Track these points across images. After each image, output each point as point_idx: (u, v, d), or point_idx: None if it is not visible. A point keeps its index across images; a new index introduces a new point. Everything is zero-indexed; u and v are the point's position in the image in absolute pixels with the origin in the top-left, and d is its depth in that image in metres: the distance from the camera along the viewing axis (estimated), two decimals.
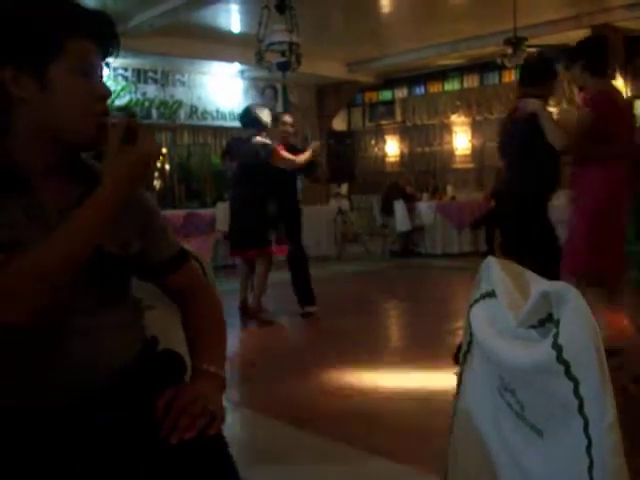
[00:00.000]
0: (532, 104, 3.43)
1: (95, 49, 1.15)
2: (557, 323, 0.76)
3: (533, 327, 0.82)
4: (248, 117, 5.28)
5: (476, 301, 1.05)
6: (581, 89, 3.65)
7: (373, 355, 4.25)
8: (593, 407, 0.72)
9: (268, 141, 5.17)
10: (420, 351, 4.29)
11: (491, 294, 0.99)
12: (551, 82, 3.66)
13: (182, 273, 1.34)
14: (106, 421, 1.11)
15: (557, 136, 3.32)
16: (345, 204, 10.80)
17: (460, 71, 11.47)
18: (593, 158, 3.41)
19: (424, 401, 3.26)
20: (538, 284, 0.83)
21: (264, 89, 12.16)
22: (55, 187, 1.16)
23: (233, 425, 3.06)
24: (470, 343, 1.10)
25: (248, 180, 5.21)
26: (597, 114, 3.32)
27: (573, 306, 0.74)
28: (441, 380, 3.46)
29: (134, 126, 1.09)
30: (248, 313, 5.34)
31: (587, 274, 3.43)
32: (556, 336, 0.75)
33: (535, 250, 3.51)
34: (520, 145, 3.57)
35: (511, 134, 3.66)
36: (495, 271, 0.98)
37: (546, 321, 0.79)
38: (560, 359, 0.74)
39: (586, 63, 3.43)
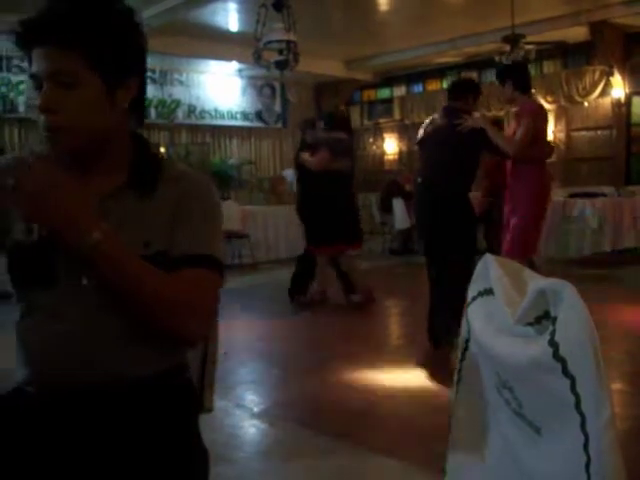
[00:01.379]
0: (477, 121, 4.08)
1: (49, 54, 1.11)
2: (554, 320, 0.76)
3: (530, 324, 0.82)
4: (344, 120, 5.91)
5: (474, 298, 1.05)
6: (509, 102, 4.65)
7: (373, 353, 4.25)
8: (590, 404, 0.72)
9: None
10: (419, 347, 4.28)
11: (489, 292, 0.99)
12: (473, 97, 4.30)
13: (182, 277, 1.17)
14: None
15: (508, 145, 4.07)
16: None
17: (458, 69, 11.45)
18: (531, 159, 4.16)
19: (424, 399, 3.26)
20: (535, 282, 0.83)
21: (262, 88, 12.17)
22: (96, 177, 1.20)
23: (234, 425, 3.06)
24: (468, 341, 1.10)
25: (351, 179, 5.83)
26: (536, 123, 4.13)
27: (569, 303, 0.74)
28: (441, 376, 3.46)
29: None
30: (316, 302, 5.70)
31: (530, 257, 4.27)
32: (553, 333, 0.75)
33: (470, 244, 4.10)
34: (467, 152, 4.08)
35: (456, 140, 4.02)
36: (493, 269, 0.98)
37: (543, 318, 0.79)
38: (557, 356, 0.74)
39: (515, 83, 4.23)
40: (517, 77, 4.29)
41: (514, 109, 4.56)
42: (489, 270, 1.00)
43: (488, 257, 1.02)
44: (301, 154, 5.77)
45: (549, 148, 4.56)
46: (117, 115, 1.18)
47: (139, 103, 1.25)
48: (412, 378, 3.66)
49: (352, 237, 5.69)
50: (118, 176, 1.21)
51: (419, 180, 4.25)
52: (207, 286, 1.19)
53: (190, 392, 1.32)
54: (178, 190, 1.22)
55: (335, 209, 5.52)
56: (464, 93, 4.26)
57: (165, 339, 1.19)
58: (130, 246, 1.14)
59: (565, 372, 0.73)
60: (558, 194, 4.87)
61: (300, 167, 5.80)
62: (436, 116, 4.30)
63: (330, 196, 5.54)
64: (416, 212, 4.46)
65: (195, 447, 1.25)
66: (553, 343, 0.74)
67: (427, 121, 4.37)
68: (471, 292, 1.06)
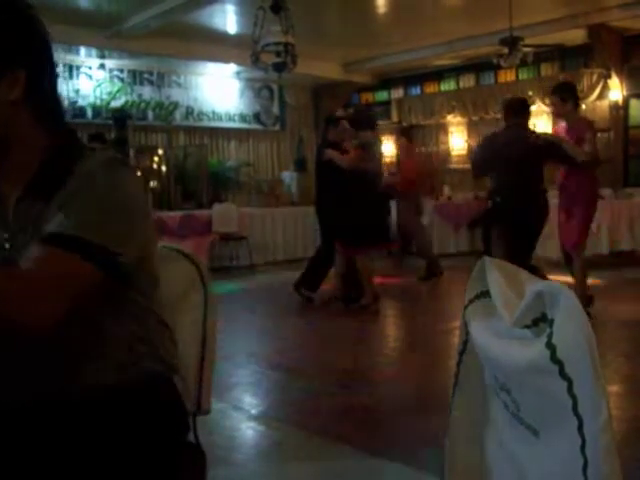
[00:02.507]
0: (551, 135, 5.08)
1: None
2: (551, 323, 0.76)
3: (527, 327, 0.82)
4: (371, 119, 6.11)
5: (471, 301, 1.05)
6: (560, 116, 5.26)
7: (371, 354, 4.25)
8: (587, 406, 0.72)
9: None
10: (417, 350, 4.29)
11: (486, 294, 0.99)
12: (528, 114, 5.13)
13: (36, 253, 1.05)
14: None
15: (579, 154, 4.67)
16: None
17: (456, 71, 11.47)
18: (588, 167, 4.76)
19: (423, 400, 3.26)
20: (532, 284, 0.83)
21: (260, 90, 12.17)
22: (6, 181, 1.17)
23: (232, 427, 3.06)
24: (466, 343, 1.10)
25: (379, 179, 5.96)
26: (594, 136, 4.78)
27: (566, 306, 0.74)
28: (439, 379, 3.46)
29: None
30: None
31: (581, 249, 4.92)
32: (550, 336, 0.75)
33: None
34: (539, 161, 4.90)
35: (531, 152, 4.77)
36: (490, 271, 0.98)
37: (540, 321, 0.79)
38: (554, 358, 0.74)
39: (574, 101, 4.91)
40: (576, 97, 4.95)
41: (568, 123, 5.04)
42: (486, 272, 1.00)
43: (485, 260, 1.02)
44: (327, 151, 5.61)
45: (598, 159, 5.15)
46: (3, 110, 1.11)
47: (40, 97, 1.16)
48: (411, 379, 3.66)
49: (384, 236, 5.83)
50: (25, 173, 1.15)
51: (498, 198, 4.88)
52: (51, 265, 1.03)
53: (173, 397, 1.28)
54: (74, 188, 1.11)
55: (366, 209, 5.49)
56: (523, 112, 5.03)
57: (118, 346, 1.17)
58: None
59: (562, 374, 0.73)
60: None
61: (324, 165, 5.65)
62: (497, 132, 5.08)
63: (359, 196, 5.49)
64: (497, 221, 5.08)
65: (184, 450, 1.24)
66: (550, 345, 0.74)
67: (487, 139, 5.15)
68: (468, 295, 1.06)
